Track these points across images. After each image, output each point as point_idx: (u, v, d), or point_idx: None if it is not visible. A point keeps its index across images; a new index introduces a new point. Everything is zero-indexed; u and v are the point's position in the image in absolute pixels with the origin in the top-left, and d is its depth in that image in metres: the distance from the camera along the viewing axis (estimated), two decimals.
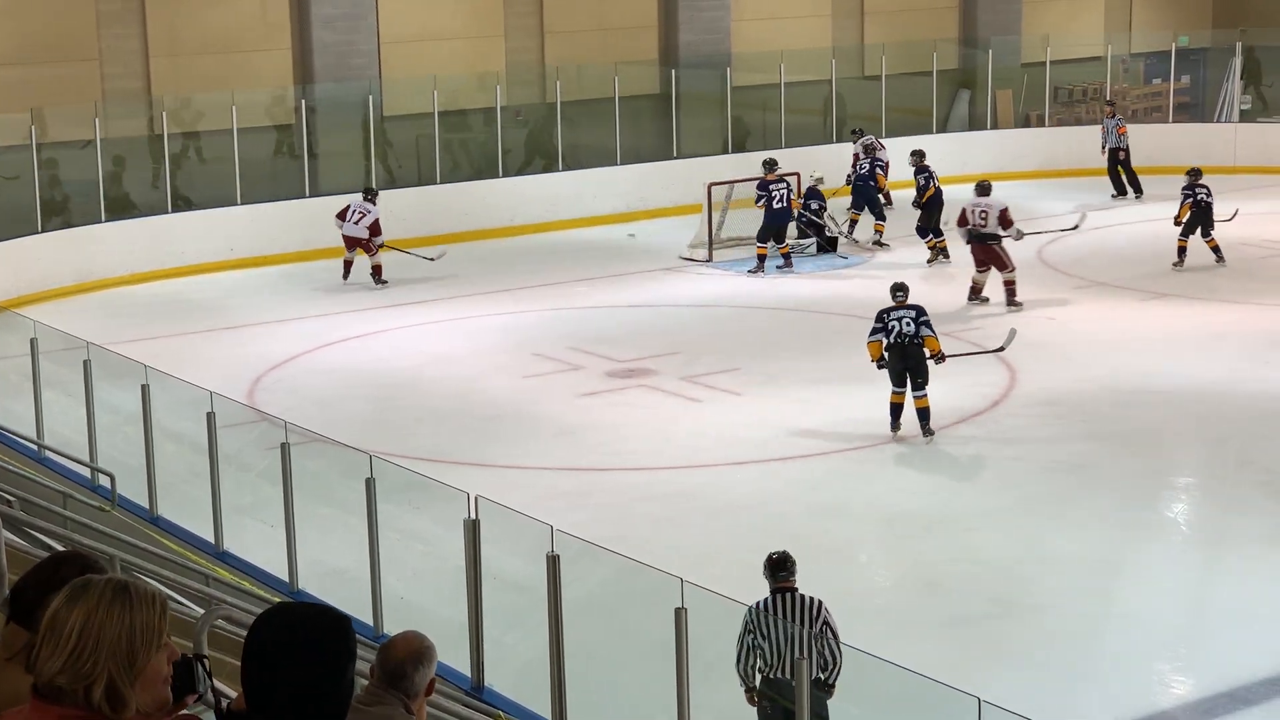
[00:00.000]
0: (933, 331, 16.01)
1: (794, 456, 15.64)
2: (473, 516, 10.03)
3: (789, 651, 9.15)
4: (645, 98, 29.63)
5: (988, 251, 21.13)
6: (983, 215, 21.14)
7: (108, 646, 3.26)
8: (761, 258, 23.63)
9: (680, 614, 8.48)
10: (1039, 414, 16.81)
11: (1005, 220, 21.11)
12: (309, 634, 3.59)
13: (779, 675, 9.12)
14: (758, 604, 9.40)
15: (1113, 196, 28.57)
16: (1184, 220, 22.88)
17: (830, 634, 9.30)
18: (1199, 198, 22.84)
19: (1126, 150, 28.69)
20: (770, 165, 23.98)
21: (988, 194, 21.42)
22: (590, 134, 28.70)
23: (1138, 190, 28.65)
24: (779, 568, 9.57)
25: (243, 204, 25.11)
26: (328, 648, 3.58)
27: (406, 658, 5.13)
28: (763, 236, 23.58)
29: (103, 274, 23.43)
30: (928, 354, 15.91)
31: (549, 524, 9.55)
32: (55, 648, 3.26)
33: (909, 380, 15.86)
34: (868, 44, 32.65)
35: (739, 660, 9.27)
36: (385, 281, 22.98)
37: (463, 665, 10.00)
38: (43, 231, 23.32)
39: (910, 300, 16.13)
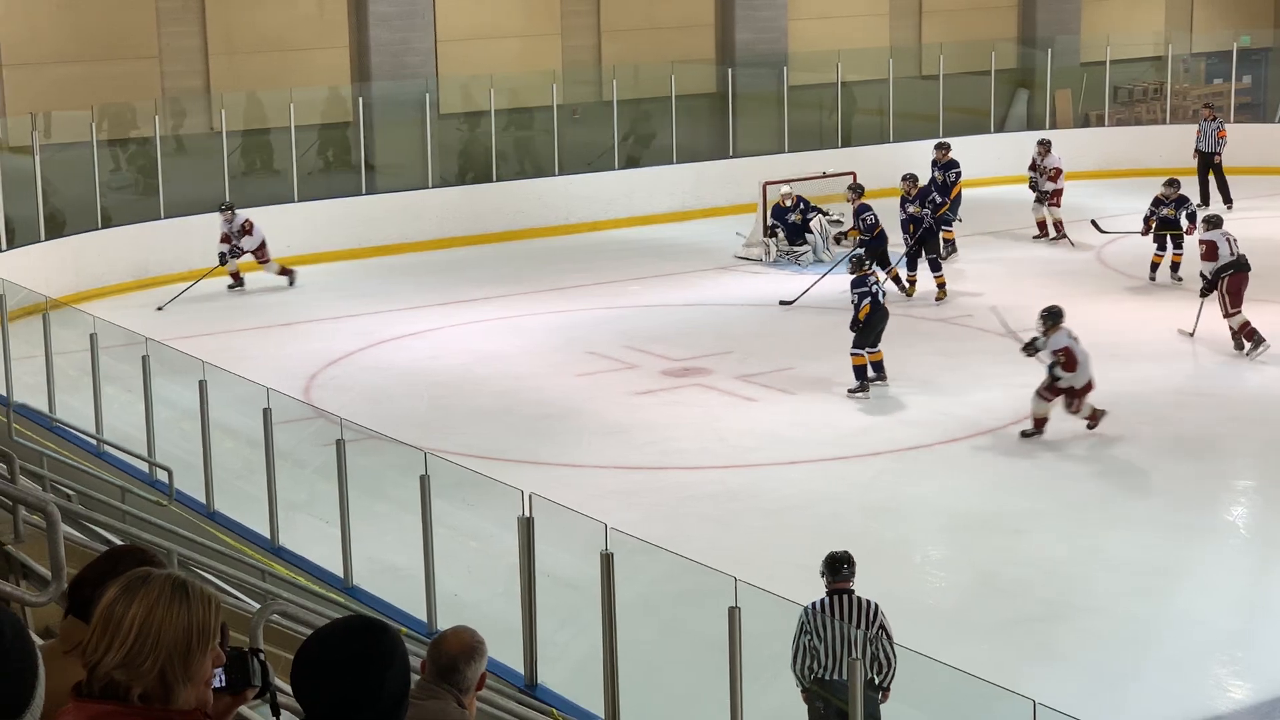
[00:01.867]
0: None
1: (846, 456, 15.61)
2: (526, 514, 10.05)
3: (844, 653, 9.13)
4: (701, 97, 29.61)
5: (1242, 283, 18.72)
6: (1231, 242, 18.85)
7: (166, 644, 3.27)
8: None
9: (734, 613, 8.48)
10: None
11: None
12: (341, 651, 3.62)
13: (833, 677, 9.11)
14: (813, 604, 9.40)
15: (1198, 206, 26.73)
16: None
17: (885, 636, 9.27)
18: (1162, 214, 21.78)
19: (1222, 156, 27.50)
20: (857, 191, 22.32)
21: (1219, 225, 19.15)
22: (646, 132, 28.72)
23: (1227, 200, 27.17)
24: (839, 567, 9.57)
25: (299, 201, 25.24)
26: (361, 661, 3.61)
27: (459, 653, 5.16)
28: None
29: (161, 270, 23.58)
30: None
31: (603, 522, 9.56)
32: (113, 640, 3.26)
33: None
34: (925, 43, 32.52)
35: (794, 660, 9.27)
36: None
37: (516, 662, 10.03)
38: (102, 228, 23.50)
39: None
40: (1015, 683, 8.16)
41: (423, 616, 10.91)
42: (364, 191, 26.13)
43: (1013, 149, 28.80)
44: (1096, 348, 18.60)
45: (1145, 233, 21.97)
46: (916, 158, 25.89)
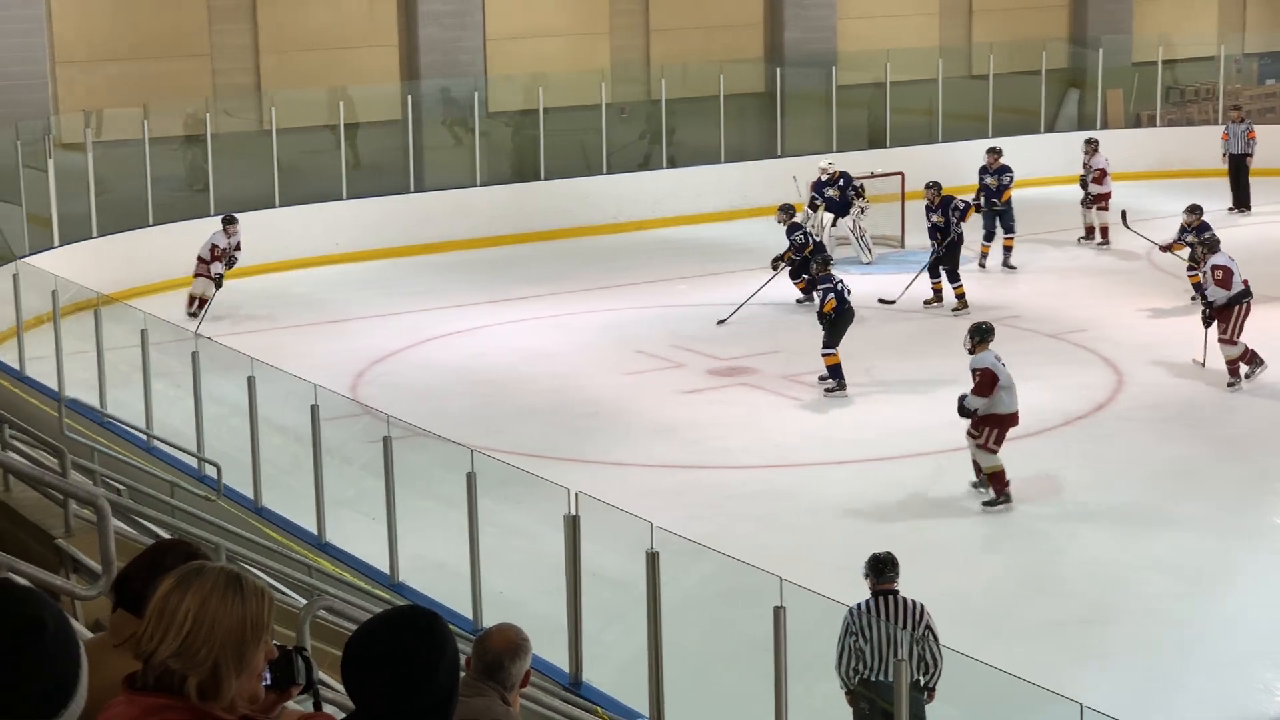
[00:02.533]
0: None
1: (893, 457, 15.57)
2: (573, 512, 10.07)
3: (889, 654, 9.12)
4: (750, 96, 29.57)
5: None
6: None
7: (220, 635, 3.29)
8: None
9: (779, 612, 8.48)
10: (1144, 417, 16.64)
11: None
12: (392, 642, 3.58)
13: (879, 678, 9.10)
14: (859, 605, 9.39)
15: (1229, 210, 26.80)
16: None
17: (931, 637, 9.25)
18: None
19: (1252, 158, 27.08)
20: (787, 211, 22.00)
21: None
22: (694, 132, 28.71)
23: (1246, 205, 26.99)
24: (883, 569, 9.56)
25: (348, 199, 25.34)
26: (411, 652, 3.58)
27: (503, 650, 5.18)
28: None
29: None
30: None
31: (648, 521, 9.57)
32: (167, 630, 3.28)
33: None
34: (975, 43, 32.39)
35: (839, 661, 9.27)
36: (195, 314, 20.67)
37: (561, 660, 10.05)
38: (153, 225, 23.64)
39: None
40: (1061, 685, 8.14)
41: (468, 614, 10.94)
42: (413, 189, 26.21)
43: (1063, 149, 28.62)
44: (1145, 350, 18.53)
45: (1164, 249, 21.19)
46: (965, 158, 25.80)
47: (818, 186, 23.90)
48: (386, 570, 11.92)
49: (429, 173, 26.81)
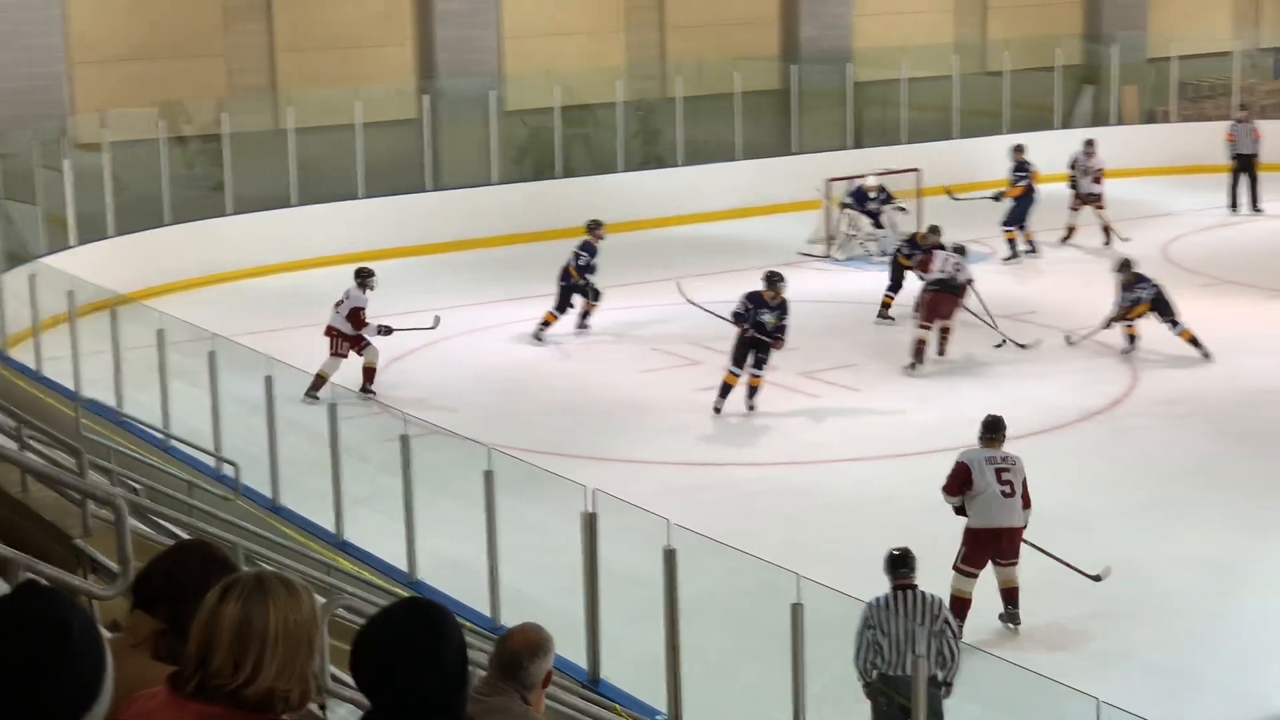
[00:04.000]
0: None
1: (911, 453, 15.55)
2: (590, 510, 10.07)
3: (908, 648, 9.12)
4: (765, 93, 29.55)
5: (950, 304, 18.65)
6: (956, 267, 18.79)
7: (290, 642, 3.31)
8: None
9: (797, 609, 8.48)
10: (1161, 413, 16.62)
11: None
12: (391, 634, 3.56)
13: (897, 672, 9.11)
14: (878, 600, 9.41)
15: (1230, 209, 26.54)
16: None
17: (950, 633, 9.27)
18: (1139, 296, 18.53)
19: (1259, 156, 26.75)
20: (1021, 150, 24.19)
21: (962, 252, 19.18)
22: (710, 129, 28.68)
23: (1256, 205, 26.64)
24: (899, 565, 9.58)
25: (365, 198, 25.36)
26: (412, 641, 3.57)
27: (523, 649, 5.16)
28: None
29: (228, 266, 23.75)
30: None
31: (665, 518, 9.57)
32: (259, 654, 3.29)
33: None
34: (990, 40, 32.35)
35: (857, 655, 9.28)
36: (372, 391, 17.52)
37: (579, 658, 10.05)
38: (170, 224, 23.68)
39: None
40: (1079, 681, 8.12)
41: (486, 611, 10.95)
42: (429, 188, 26.22)
43: (1078, 146, 28.56)
44: (1164, 344, 18.45)
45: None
46: (980, 154, 25.80)
47: (859, 196, 24.14)
48: (405, 568, 11.93)
49: (445, 171, 26.83)
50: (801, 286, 22.45)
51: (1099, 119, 31.92)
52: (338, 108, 25.85)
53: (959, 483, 11.71)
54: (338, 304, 17.88)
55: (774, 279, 16.98)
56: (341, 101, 25.75)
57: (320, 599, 9.05)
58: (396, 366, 18.95)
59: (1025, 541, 11.74)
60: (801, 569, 8.72)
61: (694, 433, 16.37)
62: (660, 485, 14.57)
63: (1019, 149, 24.30)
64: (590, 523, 10.06)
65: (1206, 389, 17.26)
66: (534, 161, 27.77)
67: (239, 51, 26.21)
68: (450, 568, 12.07)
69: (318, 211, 24.93)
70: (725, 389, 16.77)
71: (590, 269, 20.33)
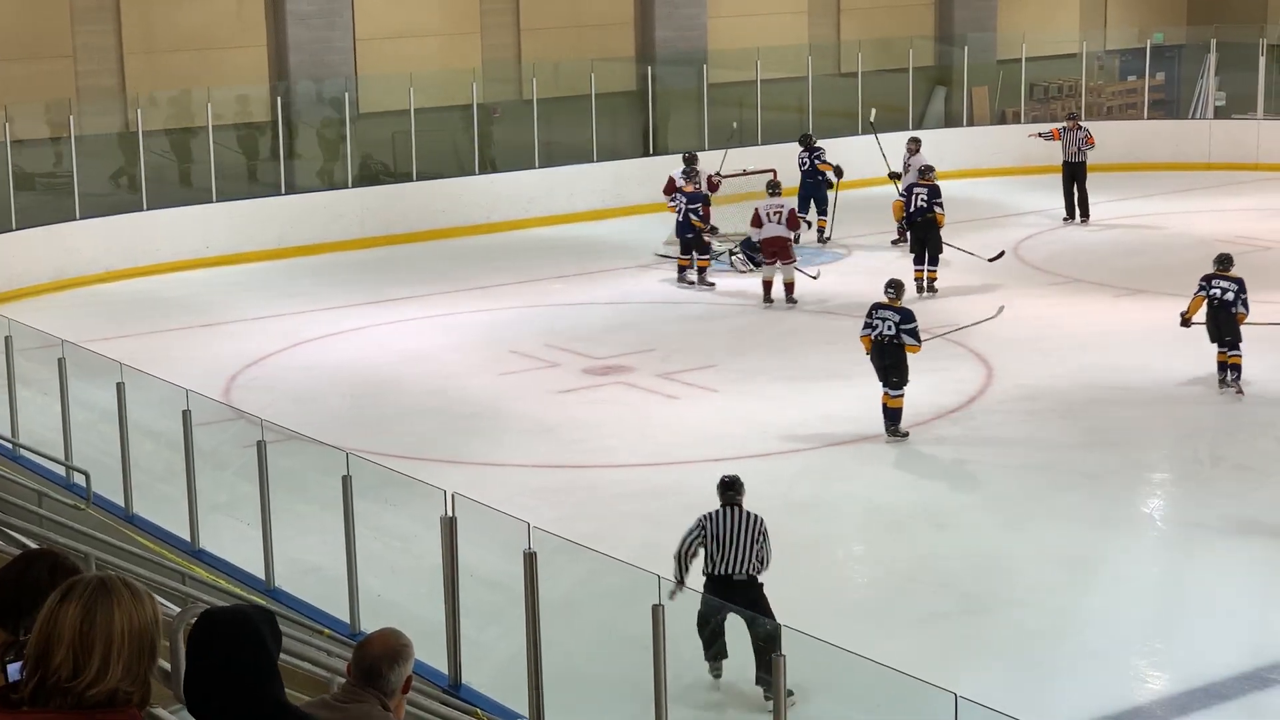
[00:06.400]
0: (915, 339, 15.88)
1: (770, 453, 15.65)
2: (449, 514, 10.02)
3: (732, 549, 10.57)
4: (622, 94, 29.62)
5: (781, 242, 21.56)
6: (776, 211, 21.64)
7: (135, 643, 3.29)
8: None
9: (658, 611, 8.49)
10: (1015, 410, 16.85)
11: (793, 221, 21.83)
12: (196, 648, 3.76)
13: (725, 571, 10.51)
14: (712, 512, 10.77)
15: (1064, 221, 26.56)
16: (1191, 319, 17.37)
17: (765, 539, 10.68)
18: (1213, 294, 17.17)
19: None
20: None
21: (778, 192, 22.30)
22: (566, 131, 28.69)
23: (1086, 214, 26.54)
24: (729, 489, 10.97)
25: (218, 201, 25.06)
26: (207, 651, 3.71)
27: (382, 656, 5.13)
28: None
29: (78, 272, 23.36)
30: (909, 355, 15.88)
31: (526, 521, 9.54)
32: (104, 655, 3.25)
33: (886, 378, 15.90)
34: (844, 41, 32.67)
35: (681, 550, 10.66)
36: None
37: (440, 663, 10.00)
38: (17, 229, 23.23)
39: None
40: (938, 677, 8.19)
41: (345, 618, 10.86)
42: (284, 191, 25.97)
43: (931, 146, 28.90)
44: (1017, 343, 18.76)
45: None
46: (835, 153, 25.99)
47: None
48: (262, 576, 11.80)
49: (299, 175, 26.59)
50: (658, 288, 22.61)
51: (951, 120, 32.36)
52: (188, 110, 25.53)
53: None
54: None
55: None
56: (192, 103, 25.43)
57: (175, 608, 8.92)
58: (251, 372, 18.75)
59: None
60: (662, 570, 8.74)
61: (553, 435, 16.35)
62: (520, 488, 14.54)
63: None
64: (449, 526, 10.00)
65: (1059, 386, 17.52)
66: (391, 163, 27.61)
67: (87, 53, 25.79)
68: (309, 574, 11.96)
69: (170, 215, 24.62)
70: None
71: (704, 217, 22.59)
